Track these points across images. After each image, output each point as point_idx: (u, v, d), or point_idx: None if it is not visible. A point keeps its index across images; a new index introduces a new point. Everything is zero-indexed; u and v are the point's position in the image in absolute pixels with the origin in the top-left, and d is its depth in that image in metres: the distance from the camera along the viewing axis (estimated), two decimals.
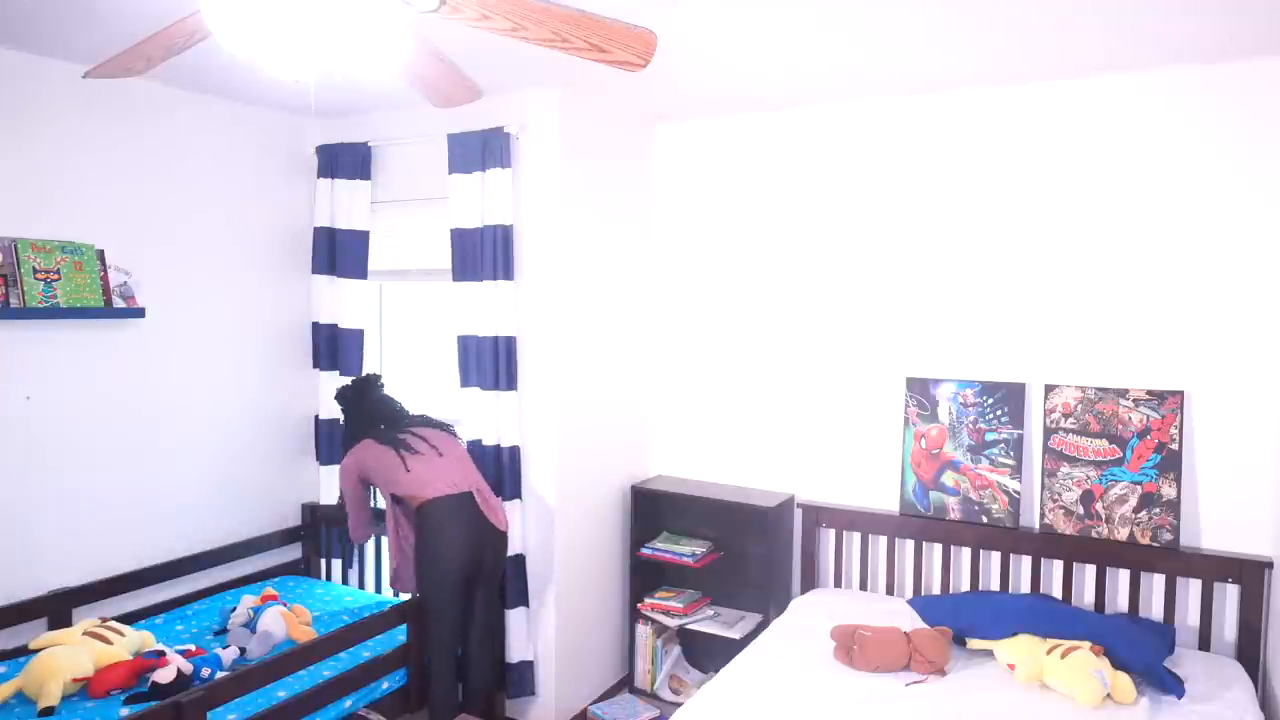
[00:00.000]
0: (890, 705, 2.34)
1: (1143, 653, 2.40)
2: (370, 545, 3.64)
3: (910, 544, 3.18)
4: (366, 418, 3.11)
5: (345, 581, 3.67)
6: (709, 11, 2.29)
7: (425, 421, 3.10)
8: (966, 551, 3.09)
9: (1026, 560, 2.97)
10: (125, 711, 2.35)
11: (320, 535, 3.67)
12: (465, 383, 3.23)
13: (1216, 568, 2.67)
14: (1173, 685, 2.33)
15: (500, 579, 3.09)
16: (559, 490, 3.20)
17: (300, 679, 2.57)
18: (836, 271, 3.33)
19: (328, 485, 3.61)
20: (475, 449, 3.19)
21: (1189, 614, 2.77)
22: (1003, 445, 2.99)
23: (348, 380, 3.33)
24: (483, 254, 3.14)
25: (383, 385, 3.22)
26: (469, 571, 2.88)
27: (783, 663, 2.61)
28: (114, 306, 2.91)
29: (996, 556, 3.03)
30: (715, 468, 3.63)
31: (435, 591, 2.84)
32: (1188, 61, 2.68)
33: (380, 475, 2.95)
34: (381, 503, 3.21)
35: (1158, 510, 2.74)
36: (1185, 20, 2.33)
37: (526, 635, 3.18)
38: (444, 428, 3.11)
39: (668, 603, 3.40)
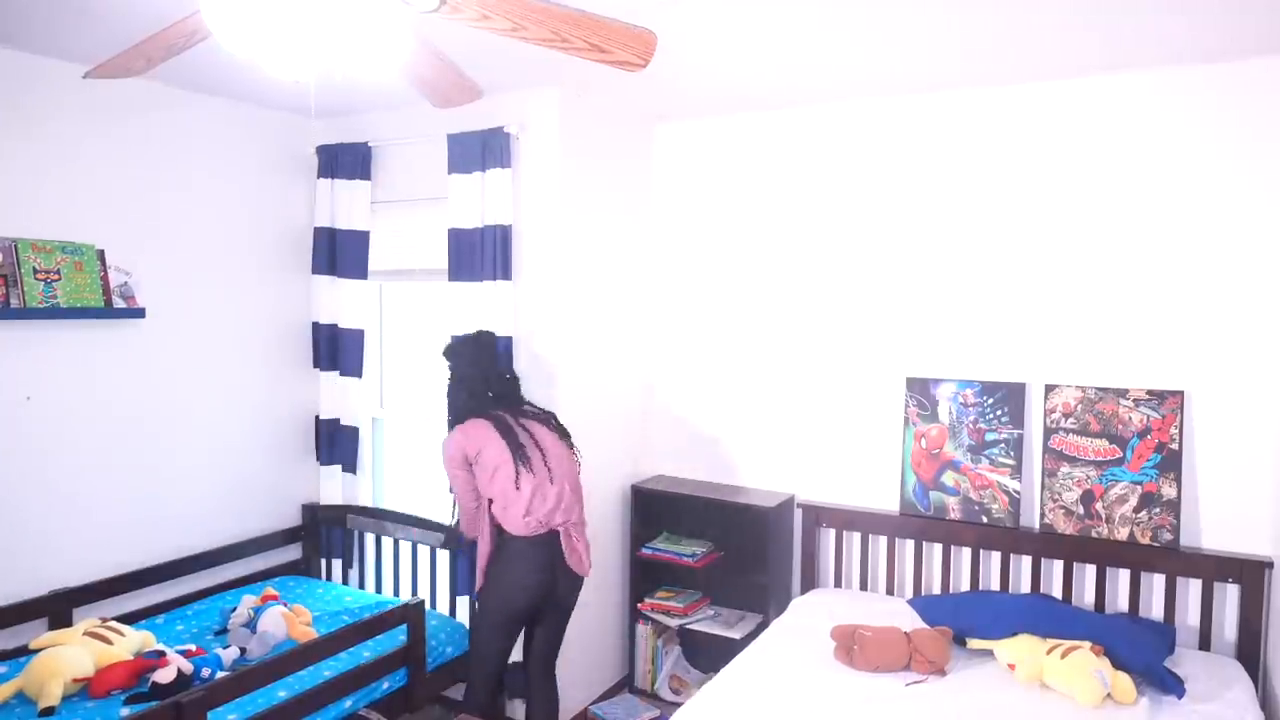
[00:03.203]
0: (890, 705, 2.34)
1: (1143, 652, 2.40)
2: (370, 547, 3.65)
3: (910, 544, 3.18)
4: (480, 387, 2.76)
5: (345, 581, 3.67)
6: (709, 11, 2.29)
7: (537, 414, 2.81)
8: (966, 551, 3.09)
9: (1026, 560, 2.97)
10: (125, 711, 2.35)
11: (320, 535, 3.67)
12: None
13: (1216, 568, 2.67)
14: (1173, 685, 2.33)
15: (567, 618, 2.83)
16: None
17: (300, 679, 2.57)
18: (836, 271, 3.33)
19: (328, 485, 3.62)
20: None
21: (1189, 614, 2.76)
22: (1003, 445, 2.99)
23: (462, 334, 2.94)
24: (482, 254, 3.14)
25: (496, 344, 2.86)
26: (533, 610, 2.69)
27: (783, 663, 2.61)
28: (114, 306, 2.91)
29: (996, 556, 3.03)
30: (715, 468, 3.63)
31: (489, 626, 2.68)
32: (1188, 61, 2.68)
33: (484, 472, 2.63)
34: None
35: (1158, 510, 2.74)
36: (1186, 20, 2.33)
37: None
38: (558, 428, 2.81)
39: (668, 603, 3.40)
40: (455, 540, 3.19)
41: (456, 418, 2.76)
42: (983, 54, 2.65)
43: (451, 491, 2.78)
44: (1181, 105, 2.73)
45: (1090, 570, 2.88)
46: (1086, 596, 2.89)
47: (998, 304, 3.04)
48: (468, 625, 3.11)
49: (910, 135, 3.16)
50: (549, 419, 2.81)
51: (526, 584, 2.62)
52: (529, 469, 2.61)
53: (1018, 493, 2.96)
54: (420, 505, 3.49)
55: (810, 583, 3.33)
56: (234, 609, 3.00)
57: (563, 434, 2.80)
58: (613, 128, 3.43)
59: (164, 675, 2.41)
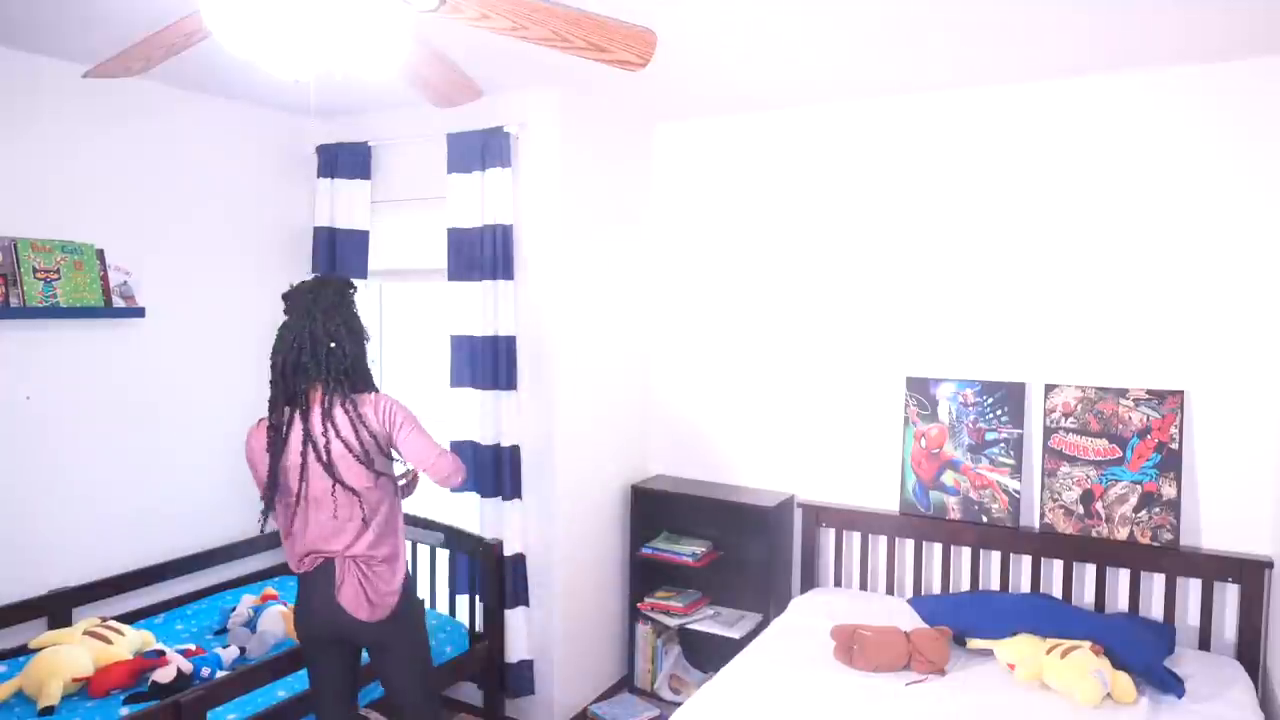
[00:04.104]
0: (890, 705, 2.34)
1: (1142, 652, 2.40)
2: None
3: (910, 544, 3.18)
4: (293, 361, 2.14)
5: None
6: (709, 11, 2.29)
7: (340, 424, 2.14)
8: (966, 551, 3.09)
9: (1026, 560, 2.97)
10: (125, 711, 2.35)
11: None
12: (457, 382, 3.22)
13: (1216, 567, 2.67)
14: (1172, 685, 2.33)
15: (396, 661, 2.29)
16: (559, 490, 3.20)
17: (300, 679, 2.56)
18: (836, 271, 3.33)
19: None
20: (472, 449, 3.17)
21: (1189, 614, 2.76)
22: (1003, 445, 2.99)
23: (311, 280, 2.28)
24: (482, 254, 3.14)
25: (345, 298, 2.23)
26: (330, 644, 2.28)
27: (783, 662, 2.61)
28: (114, 306, 2.91)
29: (996, 556, 3.03)
30: (715, 467, 3.63)
31: (305, 658, 2.35)
32: (1187, 61, 2.68)
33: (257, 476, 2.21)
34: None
35: (1158, 510, 2.74)
36: (1184, 20, 2.33)
37: (526, 635, 3.18)
38: (357, 440, 2.14)
39: (668, 602, 3.40)
40: None
41: (270, 400, 2.20)
42: (983, 54, 2.65)
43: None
44: (1180, 105, 2.73)
45: (1090, 570, 2.87)
46: (1086, 596, 2.89)
47: (997, 304, 3.04)
48: (465, 626, 3.12)
49: (910, 135, 3.16)
50: (350, 428, 2.14)
51: (306, 619, 2.27)
52: (303, 499, 2.15)
53: (1017, 492, 2.96)
54: (419, 505, 3.48)
55: (810, 582, 3.33)
56: (234, 608, 3.00)
57: (363, 460, 2.14)
58: (613, 127, 3.43)
59: (164, 675, 2.41)
